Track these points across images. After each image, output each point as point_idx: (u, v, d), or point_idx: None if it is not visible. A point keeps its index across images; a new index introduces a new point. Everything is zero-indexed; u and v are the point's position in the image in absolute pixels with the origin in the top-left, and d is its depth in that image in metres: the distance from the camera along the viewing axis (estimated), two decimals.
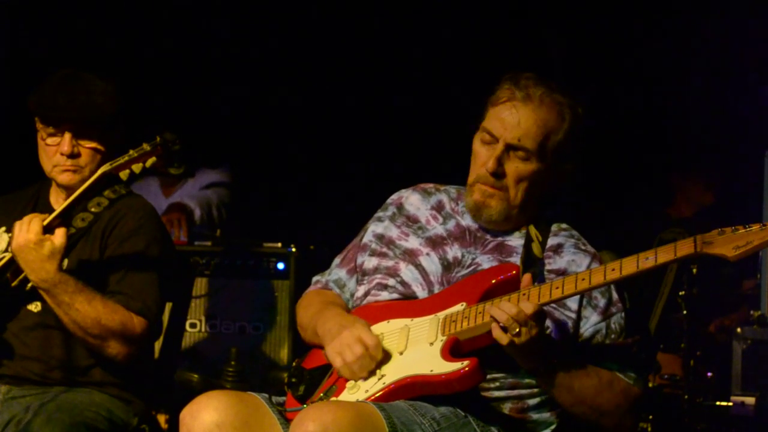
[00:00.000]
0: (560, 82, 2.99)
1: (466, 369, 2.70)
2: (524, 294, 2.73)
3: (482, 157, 2.95)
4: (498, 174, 2.93)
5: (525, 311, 2.67)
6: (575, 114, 2.95)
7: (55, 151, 3.39)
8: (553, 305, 2.86)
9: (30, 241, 3.16)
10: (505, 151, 2.92)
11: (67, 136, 3.37)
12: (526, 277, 2.79)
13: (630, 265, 2.64)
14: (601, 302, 2.92)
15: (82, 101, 3.36)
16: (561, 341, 2.86)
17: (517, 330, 2.67)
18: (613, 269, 2.67)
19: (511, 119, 2.91)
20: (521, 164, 2.93)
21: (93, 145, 3.39)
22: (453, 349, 2.76)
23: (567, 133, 2.94)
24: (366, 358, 2.80)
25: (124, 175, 3.18)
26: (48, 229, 3.19)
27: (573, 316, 2.90)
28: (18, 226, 3.21)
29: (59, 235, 3.18)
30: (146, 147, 3.18)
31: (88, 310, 3.23)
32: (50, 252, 3.17)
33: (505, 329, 2.68)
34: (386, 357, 2.82)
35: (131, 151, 3.18)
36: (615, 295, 2.94)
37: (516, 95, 2.92)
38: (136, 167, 3.18)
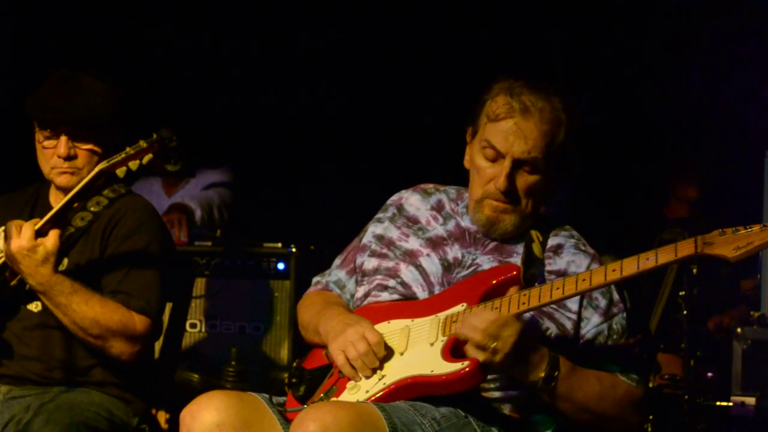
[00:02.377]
0: (553, 79, 2.98)
1: (467, 369, 2.69)
2: (496, 308, 2.74)
3: (488, 173, 2.93)
4: (509, 192, 2.92)
5: (491, 322, 2.66)
6: (572, 114, 2.94)
7: (52, 154, 3.39)
8: (553, 306, 2.86)
9: (23, 248, 3.17)
10: (514, 167, 2.91)
11: (63, 138, 3.36)
12: (513, 290, 2.80)
13: (631, 266, 2.64)
14: (602, 303, 2.91)
15: (77, 103, 3.35)
16: (557, 347, 2.84)
17: (493, 346, 2.66)
18: (614, 270, 2.66)
19: (516, 135, 2.88)
20: (530, 177, 2.91)
21: (89, 146, 3.39)
22: (454, 350, 2.75)
23: (567, 134, 2.93)
24: (369, 355, 2.80)
25: (121, 172, 3.18)
26: (41, 233, 3.19)
27: (573, 317, 2.89)
28: (8, 233, 3.21)
29: (52, 238, 3.18)
30: (143, 144, 3.18)
31: (85, 310, 3.23)
32: (44, 257, 3.18)
33: (482, 348, 2.67)
34: (387, 357, 2.82)
35: (128, 149, 3.18)
36: (616, 296, 2.93)
37: (515, 108, 2.88)
38: (133, 164, 3.17)
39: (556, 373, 2.73)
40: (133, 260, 3.36)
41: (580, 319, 2.89)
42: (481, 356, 2.68)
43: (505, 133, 2.89)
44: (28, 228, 3.18)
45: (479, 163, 2.95)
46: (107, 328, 3.24)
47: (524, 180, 2.91)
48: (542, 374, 2.72)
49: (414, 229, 3.09)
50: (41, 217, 3.24)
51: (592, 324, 2.90)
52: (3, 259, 3.26)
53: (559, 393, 2.75)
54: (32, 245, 3.17)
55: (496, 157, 2.91)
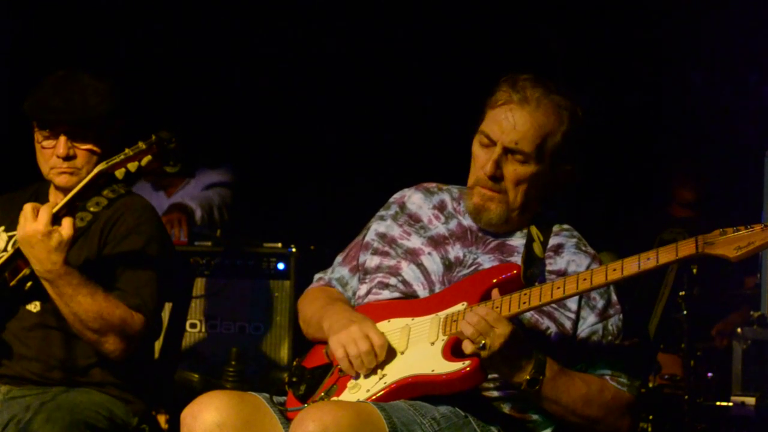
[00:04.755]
0: (560, 83, 2.98)
1: (468, 369, 2.69)
2: (497, 307, 2.74)
3: (481, 160, 2.95)
4: (496, 177, 2.92)
5: (487, 320, 2.68)
6: (574, 116, 2.94)
7: (51, 154, 3.38)
8: (554, 306, 2.86)
9: (39, 232, 3.14)
10: (503, 154, 2.91)
11: (62, 138, 3.36)
12: (495, 292, 2.81)
13: (631, 266, 2.64)
14: (600, 303, 2.91)
15: (76, 103, 3.35)
16: (556, 346, 2.85)
17: (482, 343, 2.67)
18: (615, 269, 2.66)
19: (508, 122, 2.90)
20: (519, 167, 2.92)
21: (88, 146, 3.38)
22: (454, 349, 2.76)
23: (565, 135, 2.93)
24: (370, 355, 2.79)
25: (120, 173, 3.17)
26: (54, 220, 3.18)
27: (572, 316, 2.89)
28: (24, 216, 3.18)
29: (67, 227, 3.16)
30: (142, 145, 3.18)
31: (90, 303, 3.22)
32: (58, 243, 3.15)
33: (472, 343, 2.69)
34: (387, 356, 2.82)
35: (127, 150, 3.18)
36: (614, 297, 2.93)
37: (513, 98, 2.91)
38: (132, 165, 3.17)
39: (541, 377, 2.73)
40: (131, 259, 3.36)
41: (578, 318, 2.89)
42: (469, 349, 2.68)
43: (499, 121, 2.91)
44: (45, 212, 3.16)
45: (475, 151, 2.97)
46: (108, 322, 3.23)
47: (513, 169, 2.92)
48: (527, 377, 2.73)
49: (416, 228, 3.09)
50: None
51: (587, 324, 2.90)
52: (2, 259, 3.26)
53: (544, 395, 2.76)
54: (48, 230, 3.15)
55: (489, 144, 2.93)
